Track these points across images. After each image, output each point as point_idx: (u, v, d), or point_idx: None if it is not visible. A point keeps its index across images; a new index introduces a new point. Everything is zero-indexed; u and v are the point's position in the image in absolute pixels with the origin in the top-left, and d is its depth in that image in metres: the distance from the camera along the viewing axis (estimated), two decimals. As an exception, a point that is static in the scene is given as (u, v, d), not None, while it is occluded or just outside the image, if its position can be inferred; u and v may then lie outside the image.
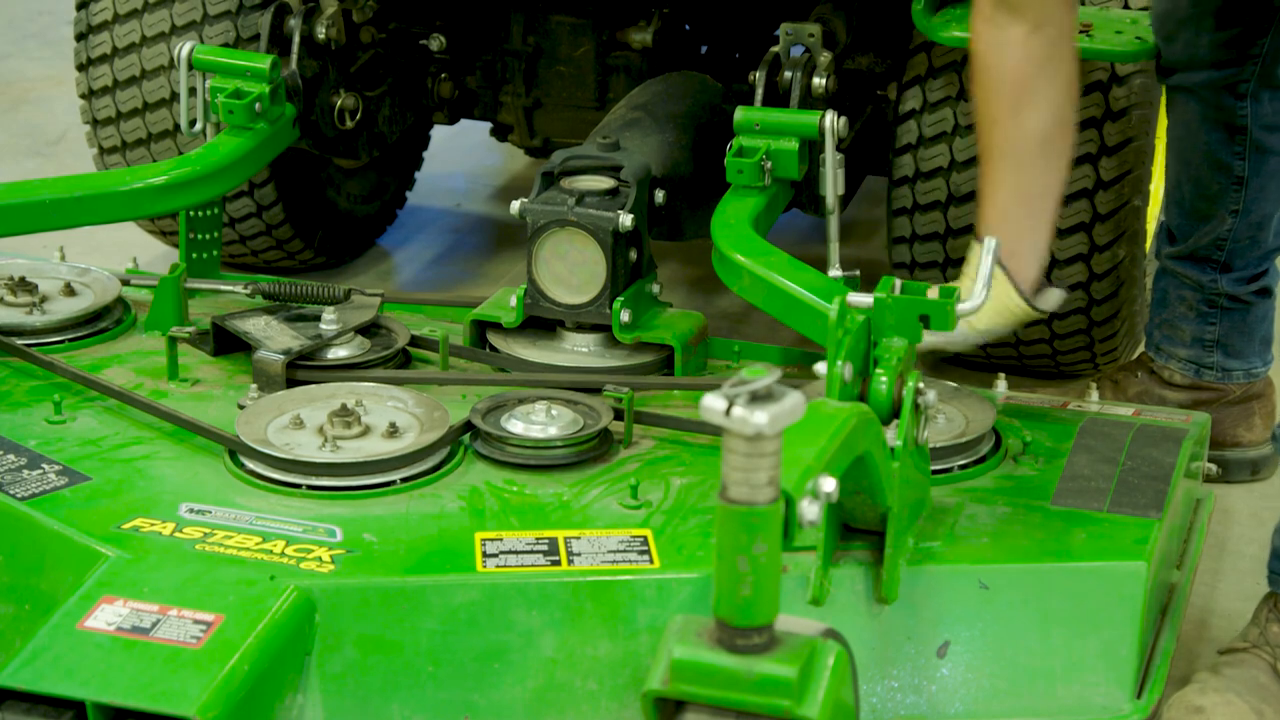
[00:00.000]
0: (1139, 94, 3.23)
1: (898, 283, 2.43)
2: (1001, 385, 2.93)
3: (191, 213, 3.21)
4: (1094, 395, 3.01)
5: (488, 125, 3.94)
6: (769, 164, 3.01)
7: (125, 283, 3.13)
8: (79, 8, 3.65)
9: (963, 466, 2.63)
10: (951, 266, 3.23)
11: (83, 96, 3.69)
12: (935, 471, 2.54)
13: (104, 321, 3.01)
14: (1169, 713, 2.56)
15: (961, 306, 2.46)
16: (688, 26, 3.75)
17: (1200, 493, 3.00)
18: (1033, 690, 2.39)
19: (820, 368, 2.34)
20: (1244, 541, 3.08)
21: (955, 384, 2.86)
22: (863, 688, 2.10)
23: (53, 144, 4.29)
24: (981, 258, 2.58)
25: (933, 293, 2.46)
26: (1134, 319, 3.49)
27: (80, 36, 3.69)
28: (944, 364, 3.36)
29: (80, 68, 3.68)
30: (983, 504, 2.54)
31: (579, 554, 2.33)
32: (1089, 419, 2.82)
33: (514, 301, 2.94)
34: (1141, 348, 3.50)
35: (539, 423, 2.59)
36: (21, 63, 4.91)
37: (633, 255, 2.91)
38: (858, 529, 2.36)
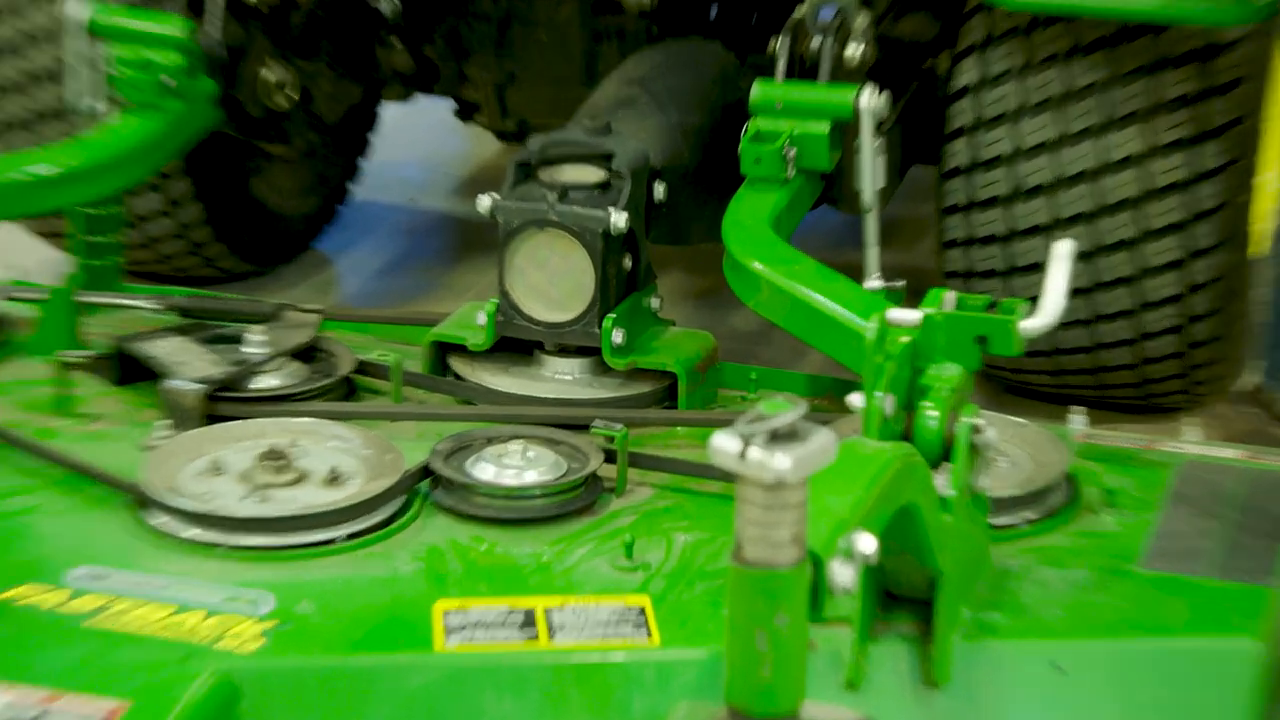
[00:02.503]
0: (1247, 65, 3.13)
1: (950, 295, 2.36)
2: (1079, 421, 2.74)
3: (87, 211, 3.13)
4: (1193, 434, 3.19)
5: (450, 103, 3.97)
6: (793, 152, 2.94)
7: (6, 297, 3.12)
8: None
9: (1031, 521, 2.50)
10: (1017, 275, 3.22)
11: None
12: (997, 527, 2.42)
13: None
14: None
15: (1028, 324, 2.33)
16: None
17: None
18: None
19: (856, 400, 2.23)
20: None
21: (1022, 420, 2.74)
22: None
23: None
24: (1055, 266, 2.47)
25: (993, 309, 2.39)
26: (1240, 340, 3.44)
27: None
28: (1009, 394, 3.45)
29: None
30: (1056, 567, 2.42)
31: (562, 627, 2.21)
32: (1188, 463, 2.75)
33: (482, 319, 2.82)
34: (1254, 376, 3.55)
35: (513, 467, 2.49)
36: None
37: (627, 263, 2.85)
38: (902, 596, 2.24)
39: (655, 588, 2.30)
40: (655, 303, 2.95)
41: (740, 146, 2.97)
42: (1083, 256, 3.07)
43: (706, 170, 3.18)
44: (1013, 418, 2.72)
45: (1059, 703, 2.27)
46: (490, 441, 2.57)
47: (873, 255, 3.01)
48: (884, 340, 2.28)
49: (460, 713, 2.19)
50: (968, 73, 3.22)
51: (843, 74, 3.09)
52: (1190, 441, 2.98)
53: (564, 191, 2.81)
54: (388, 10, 3.70)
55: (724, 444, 1.53)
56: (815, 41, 3.11)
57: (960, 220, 3.27)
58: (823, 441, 1.54)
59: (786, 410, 1.54)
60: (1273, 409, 3.36)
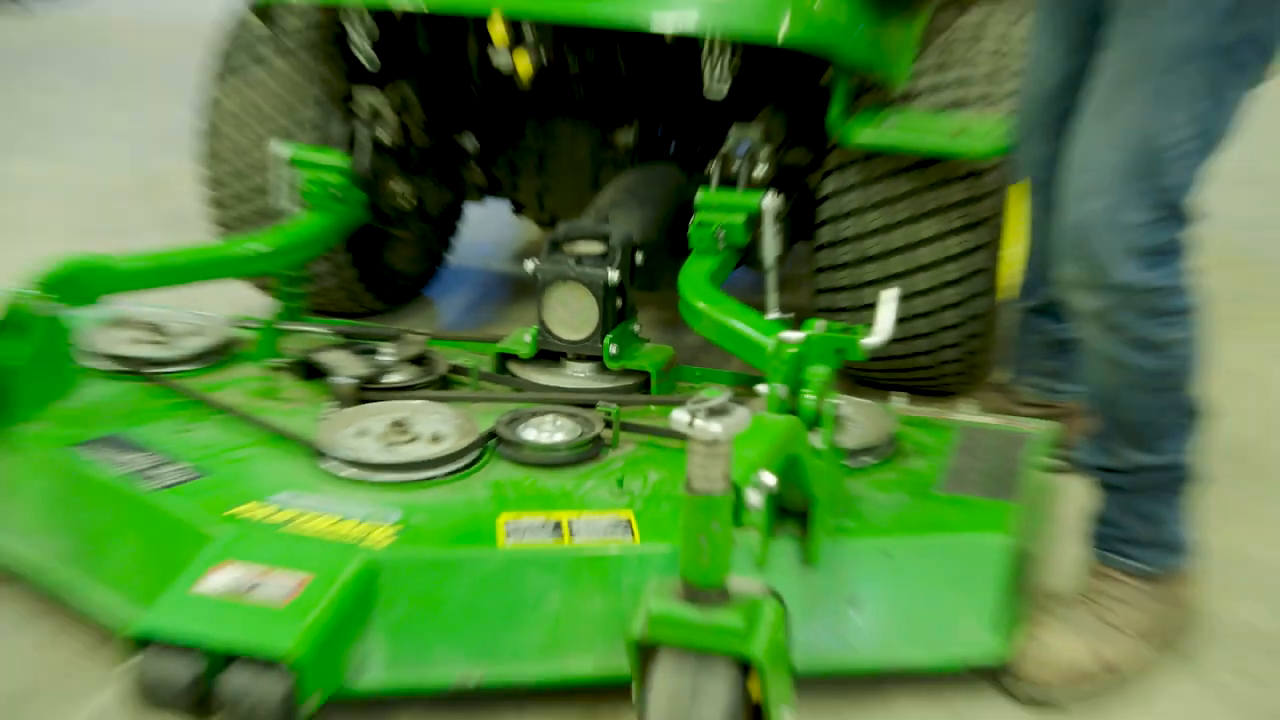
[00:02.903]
0: (997, 181, 3.33)
1: (820, 324, 2.65)
2: (899, 401, 3.11)
3: (286, 272, 3.38)
4: (968, 409, 3.21)
5: (508, 204, 4.05)
6: (722, 233, 3.21)
7: (235, 326, 3.34)
8: (203, 114, 3.75)
9: (870, 463, 2.83)
10: (863, 311, 3.30)
11: (205, 184, 3.78)
12: (849, 467, 2.75)
13: (218, 355, 3.19)
14: (1027, 649, 2.66)
15: (868, 341, 2.63)
16: (660, 130, 3.83)
17: (1051, 482, 3.08)
18: (923, 634, 2.56)
19: (761, 389, 2.60)
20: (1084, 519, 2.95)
21: (864, 400, 3.04)
22: (798, 632, 2.30)
23: (175, 223, 4.36)
24: (883, 304, 2.77)
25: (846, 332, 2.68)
26: (995, 350, 3.61)
27: (203, 137, 3.76)
28: (856, 384, 3.54)
29: (202, 162, 3.77)
30: (884, 492, 2.74)
31: (578, 532, 2.51)
32: (964, 426, 3.03)
33: (528, 338, 3.14)
34: (1004, 374, 3.66)
35: (547, 431, 2.80)
36: (171, 169, 4.93)
37: (618, 303, 3.10)
38: (790, 511, 2.50)
39: (637, 507, 2.59)
40: (636, 328, 3.20)
41: (689, 230, 3.24)
42: (902, 299, 3.12)
43: (668, 245, 3.42)
44: (858, 399, 2.98)
45: (885, 575, 2.57)
46: (533, 415, 2.85)
47: (772, 298, 3.28)
48: (779, 352, 2.58)
49: (514, 586, 2.45)
50: (829, 185, 3.40)
51: (752, 185, 3.29)
52: (965, 413, 3.13)
53: (579, 259, 3.10)
54: (470, 148, 3.82)
55: (680, 416, 1.96)
56: (736, 165, 3.31)
57: (826, 276, 3.44)
58: (741, 415, 1.97)
59: (718, 395, 1.99)
60: (1015, 396, 3.45)
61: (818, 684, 2.53)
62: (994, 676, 2.62)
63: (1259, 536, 3.21)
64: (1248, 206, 5.30)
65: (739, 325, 2.89)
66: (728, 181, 3.31)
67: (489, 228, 4.64)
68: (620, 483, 2.68)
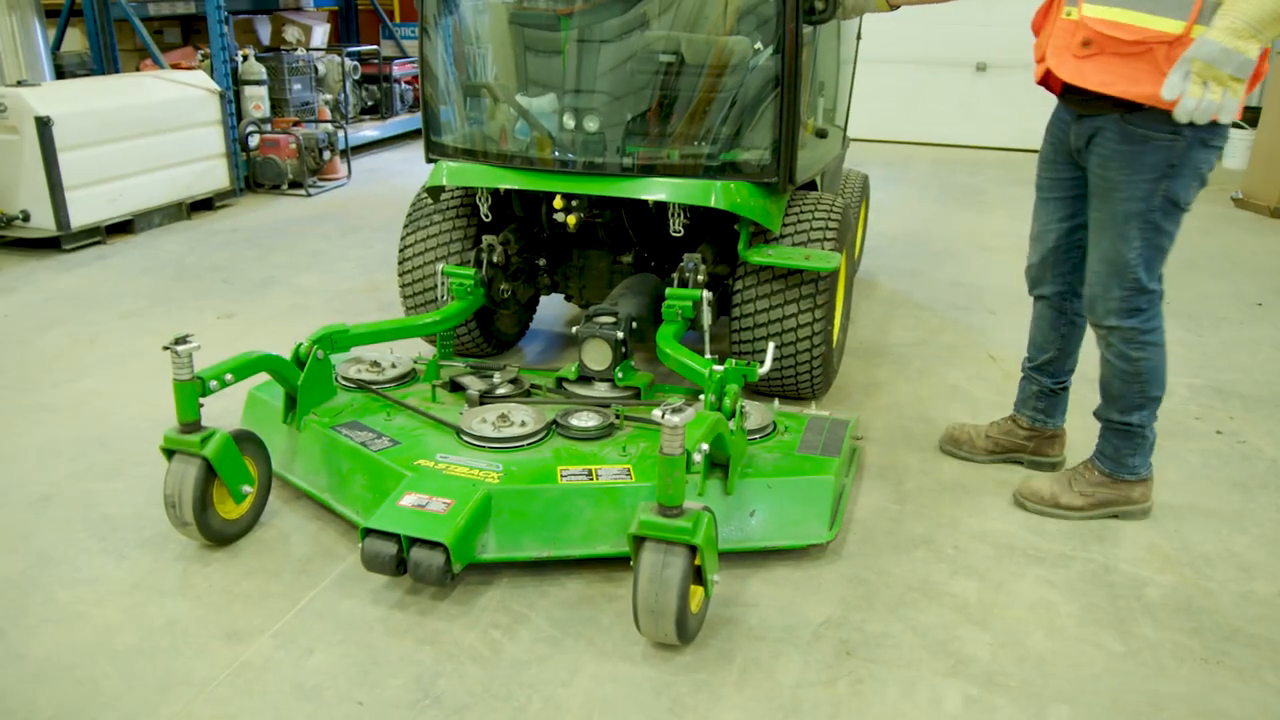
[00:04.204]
0: (831, 281, 3.23)
1: (733, 361, 2.72)
2: (776, 402, 3.09)
3: (442, 331, 3.33)
4: (814, 408, 3.14)
5: (563, 295, 3.88)
6: (680, 312, 3.16)
7: (416, 362, 3.28)
8: (400, 248, 3.66)
9: (760, 437, 2.80)
10: (753, 357, 3.24)
11: (401, 286, 3.68)
12: (750, 438, 2.74)
13: (407, 378, 3.15)
14: (1026, 479, 2.88)
15: (760, 371, 2.77)
16: (646, 255, 3.69)
17: (858, 447, 3.17)
18: (788, 529, 2.55)
19: (701, 398, 2.63)
20: (871, 472, 3.09)
21: (758, 402, 2.98)
22: (720, 530, 2.44)
23: (386, 307, 4.42)
24: (768, 351, 2.90)
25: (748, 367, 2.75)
26: (828, 378, 3.44)
27: (399, 260, 3.64)
28: (754, 394, 3.41)
29: (399, 274, 3.67)
30: (768, 453, 2.71)
31: (601, 476, 2.50)
32: (811, 417, 2.97)
33: (573, 369, 3.10)
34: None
35: (584, 420, 2.78)
36: (384, 279, 5.08)
37: (623, 350, 3.04)
38: (717, 464, 2.53)
39: (633, 462, 2.58)
40: (632, 363, 3.11)
41: (662, 309, 3.17)
42: (777, 348, 3.20)
43: (650, 318, 3.30)
44: (755, 401, 2.96)
45: (769, 498, 2.56)
46: (576, 411, 2.82)
47: (707, 344, 3.17)
48: (711, 377, 2.65)
49: (566, 505, 2.45)
50: (739, 285, 3.28)
51: (696, 285, 3.20)
52: (812, 411, 3.04)
53: (601, 325, 3.06)
54: (542, 264, 3.70)
55: (656, 413, 2.04)
56: (686, 274, 3.22)
57: (736, 335, 3.29)
58: (690, 412, 2.05)
59: (678, 402, 2.06)
60: (1017, 422, 3.14)
61: (732, 557, 2.57)
62: (823, 549, 2.63)
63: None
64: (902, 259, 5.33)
65: (689, 362, 2.87)
66: (683, 283, 3.25)
67: (551, 308, 4.57)
68: (624, 449, 2.66)
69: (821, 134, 3.33)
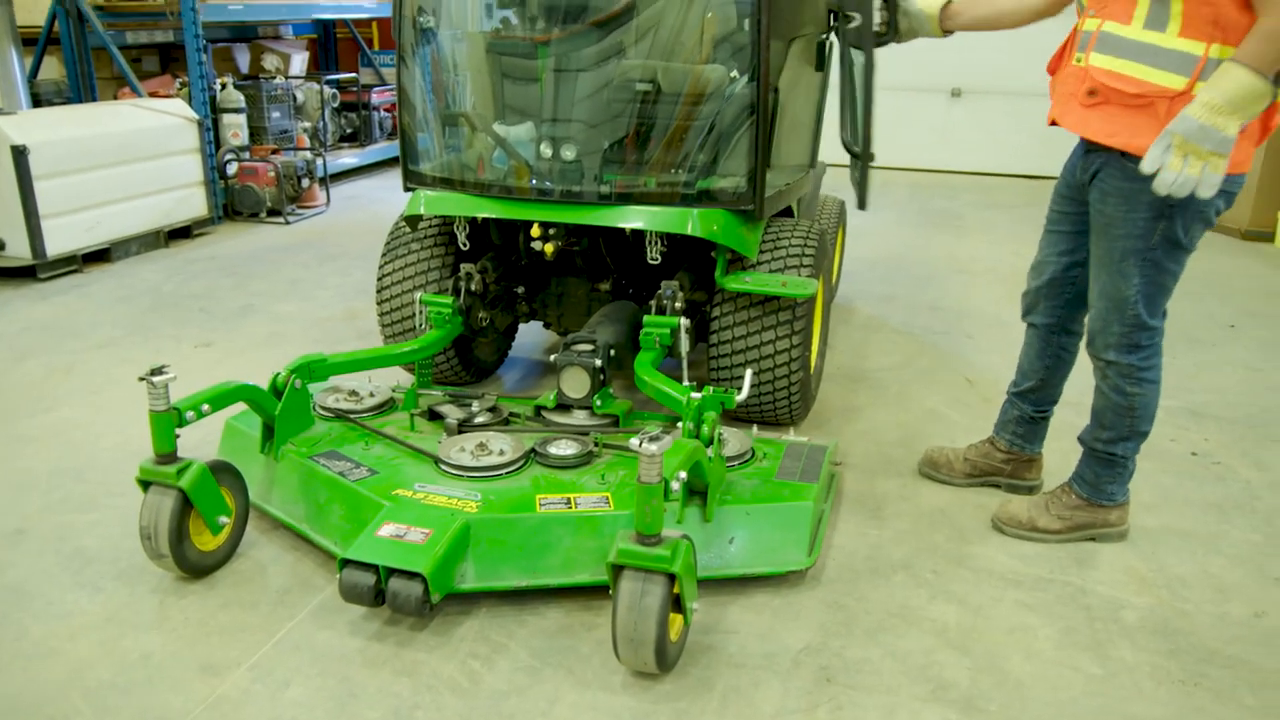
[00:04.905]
0: (808, 306, 3.25)
1: (710, 388, 2.67)
2: (755, 428, 3.09)
3: (420, 360, 3.30)
4: (791, 434, 3.09)
5: (541, 323, 3.89)
6: (658, 339, 3.15)
7: (394, 391, 3.23)
8: (378, 276, 3.64)
9: (739, 463, 2.78)
10: (734, 380, 3.25)
11: (379, 315, 3.67)
12: (728, 464, 2.74)
13: (385, 407, 3.13)
14: (1005, 502, 2.89)
15: (738, 398, 2.74)
16: (624, 282, 3.68)
17: (836, 472, 3.14)
18: (767, 555, 2.54)
19: (679, 425, 2.65)
20: (849, 498, 3.09)
21: (735, 428, 2.98)
22: (700, 557, 2.42)
23: (365, 335, 4.39)
24: (746, 378, 2.91)
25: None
26: (806, 403, 3.44)
27: (378, 289, 3.62)
28: (732, 420, 3.40)
29: (377, 302, 3.65)
30: (747, 479, 2.71)
31: (580, 504, 2.48)
32: (789, 443, 2.96)
33: (552, 397, 3.09)
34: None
35: (563, 449, 2.75)
36: (362, 307, 4.96)
37: (601, 378, 3.03)
38: (696, 491, 2.53)
39: (612, 490, 2.55)
40: (611, 391, 3.11)
41: (640, 337, 3.17)
42: (755, 375, 3.22)
43: (628, 345, 3.27)
44: (733, 428, 2.97)
45: (747, 525, 2.55)
46: (555, 439, 2.80)
47: (685, 374, 3.22)
48: (689, 404, 2.58)
49: (545, 534, 2.43)
50: (716, 312, 3.28)
51: (674, 313, 3.22)
52: (790, 436, 3.02)
53: (580, 352, 3.05)
54: (520, 292, 3.69)
55: (633, 442, 2.03)
56: (664, 301, 3.24)
57: (714, 361, 3.27)
58: (667, 440, 2.04)
59: (655, 430, 2.06)
60: (996, 444, 3.15)
61: (712, 584, 2.56)
62: (802, 575, 2.62)
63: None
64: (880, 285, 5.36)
65: (667, 389, 2.86)
66: (661, 310, 3.26)
67: (530, 335, 4.55)
68: (603, 477, 2.64)
69: (858, 155, 3.35)
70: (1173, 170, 2.23)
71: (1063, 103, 2.54)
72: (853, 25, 2.81)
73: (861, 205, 2.83)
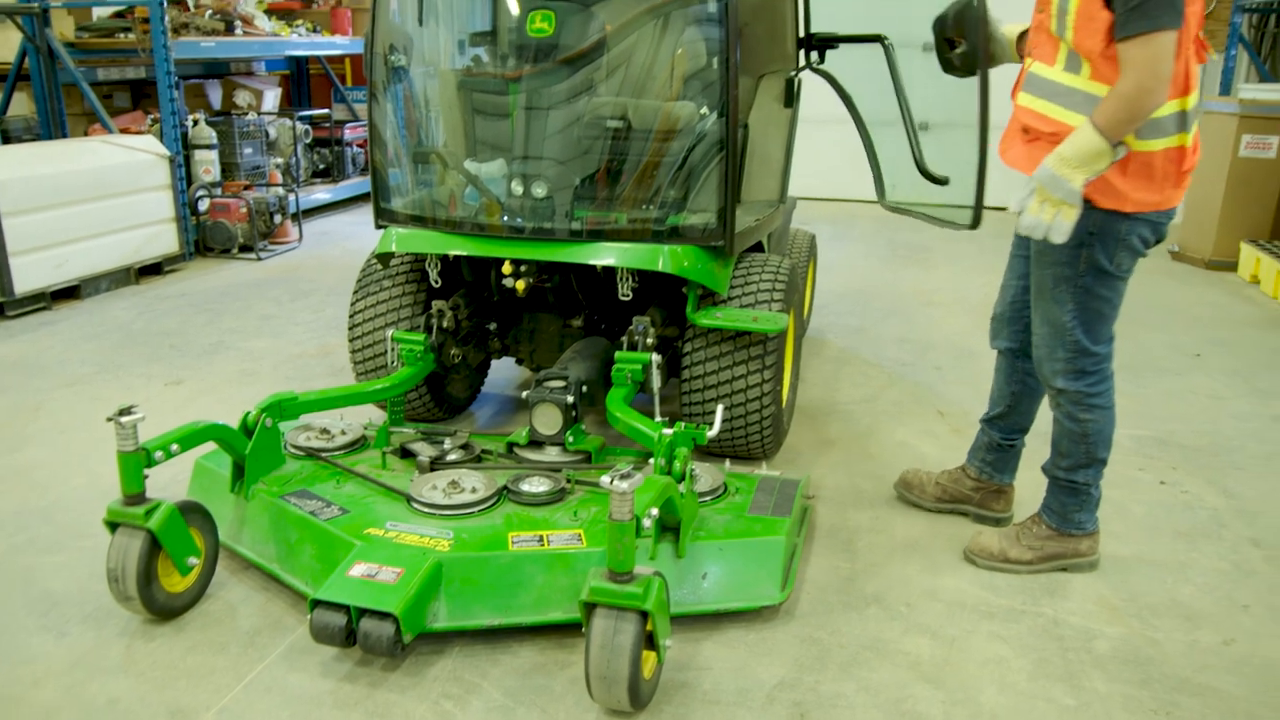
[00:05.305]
0: (779, 341, 3.25)
1: (681, 424, 2.74)
2: (727, 463, 3.12)
3: (392, 397, 3.30)
4: (765, 469, 3.06)
5: (514, 359, 3.85)
6: (630, 375, 3.16)
7: (366, 428, 3.24)
8: (350, 313, 3.62)
9: (711, 499, 2.79)
10: (702, 420, 3.25)
11: (351, 351, 3.64)
12: (700, 500, 2.74)
13: (356, 445, 3.11)
14: (978, 533, 2.89)
15: (710, 434, 2.80)
16: (596, 318, 3.67)
17: (809, 506, 3.13)
18: (740, 591, 2.54)
19: (651, 462, 2.65)
20: (822, 531, 3.09)
21: (707, 463, 2.97)
22: (673, 593, 2.42)
23: (338, 371, 4.37)
24: (718, 413, 2.94)
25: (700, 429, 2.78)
26: (778, 437, 3.43)
27: (350, 325, 3.60)
28: (704, 455, 3.38)
29: (350, 339, 3.62)
30: (719, 515, 2.70)
31: (552, 542, 2.47)
32: (762, 477, 2.96)
33: (524, 434, 3.07)
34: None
35: (535, 486, 2.74)
36: (335, 343, 4.93)
37: (573, 414, 3.02)
38: (669, 527, 2.53)
39: (584, 527, 2.54)
40: (583, 427, 3.08)
41: (612, 373, 3.17)
42: (726, 410, 3.19)
43: (600, 381, 3.28)
44: (705, 463, 2.96)
45: (720, 560, 2.55)
46: (527, 476, 2.78)
47: (657, 409, 3.18)
48: (661, 440, 2.65)
49: (517, 572, 2.42)
50: (687, 347, 3.28)
51: (645, 348, 3.23)
52: (762, 471, 3.02)
53: (551, 389, 3.04)
54: (492, 328, 3.67)
55: (604, 480, 2.04)
56: (636, 337, 3.24)
57: (686, 397, 3.28)
58: (638, 478, 2.05)
59: (626, 468, 2.06)
60: (967, 472, 3.18)
61: (685, 621, 2.55)
62: (776, 610, 2.62)
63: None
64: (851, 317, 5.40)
65: (639, 425, 2.87)
66: (632, 346, 3.27)
67: (503, 371, 4.54)
68: (575, 514, 2.64)
69: (941, 181, 3.33)
70: (1031, 213, 2.37)
71: (1005, 140, 2.63)
72: (958, 51, 2.83)
73: (975, 225, 2.86)
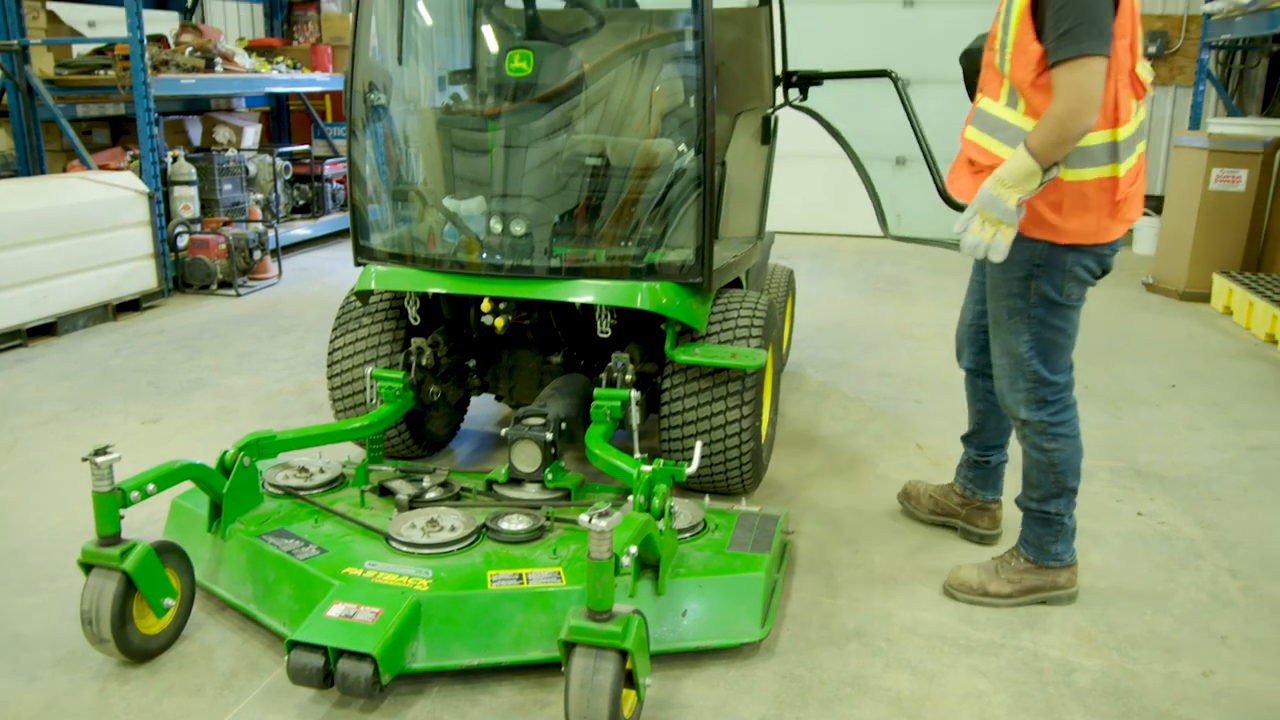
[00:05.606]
0: (758, 377, 3.24)
1: (660, 461, 2.70)
2: (707, 499, 3.08)
3: (371, 435, 3.28)
4: (743, 504, 3.06)
5: (493, 395, 3.86)
6: (609, 412, 3.15)
7: (344, 466, 3.24)
8: (329, 350, 3.61)
9: (690, 535, 2.78)
10: (682, 456, 3.25)
11: (330, 389, 3.64)
12: (680, 537, 2.73)
13: (335, 483, 3.12)
14: (957, 567, 2.90)
15: (688, 471, 2.79)
16: (575, 354, 3.67)
17: (789, 541, 3.13)
18: (720, 628, 2.53)
19: (630, 499, 2.61)
20: (802, 566, 3.08)
21: (686, 499, 2.97)
22: (653, 631, 2.40)
23: (317, 408, 4.34)
24: (696, 449, 2.96)
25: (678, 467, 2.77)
26: (758, 472, 3.43)
27: (329, 363, 3.58)
28: (684, 491, 3.37)
29: (328, 376, 3.62)
30: (699, 551, 2.70)
31: (532, 580, 2.47)
32: (741, 513, 2.96)
33: (504, 471, 3.05)
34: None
35: (514, 523, 2.74)
36: (314, 380, 4.91)
37: (552, 451, 3.02)
38: (648, 565, 2.53)
39: (563, 565, 2.53)
40: (562, 464, 3.08)
41: (591, 410, 3.16)
42: (705, 446, 3.19)
43: (579, 418, 3.24)
44: (684, 499, 2.97)
45: (701, 597, 2.55)
46: (506, 514, 2.79)
47: (635, 445, 3.19)
48: (639, 477, 2.59)
49: (496, 611, 2.41)
50: (666, 384, 3.27)
51: (624, 385, 3.22)
52: (742, 507, 3.02)
53: (530, 426, 3.03)
54: (471, 365, 3.67)
55: (583, 518, 2.04)
56: (615, 374, 3.24)
57: (665, 434, 3.26)
58: (617, 516, 2.06)
59: (604, 506, 2.07)
60: (953, 489, 3.30)
61: (665, 658, 2.54)
62: (756, 647, 2.61)
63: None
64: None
65: (618, 462, 2.87)
66: (611, 383, 3.27)
67: (482, 408, 4.52)
68: (554, 552, 2.63)
69: (962, 208, 3.31)
70: (973, 234, 2.45)
71: (953, 171, 2.71)
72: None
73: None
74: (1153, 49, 8.72)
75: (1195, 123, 8.53)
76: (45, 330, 5.82)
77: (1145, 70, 2.54)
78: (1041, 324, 2.66)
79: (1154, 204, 8.22)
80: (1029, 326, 2.66)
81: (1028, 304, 2.64)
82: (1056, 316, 2.65)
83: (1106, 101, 2.40)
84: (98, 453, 2.40)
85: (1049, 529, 2.85)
